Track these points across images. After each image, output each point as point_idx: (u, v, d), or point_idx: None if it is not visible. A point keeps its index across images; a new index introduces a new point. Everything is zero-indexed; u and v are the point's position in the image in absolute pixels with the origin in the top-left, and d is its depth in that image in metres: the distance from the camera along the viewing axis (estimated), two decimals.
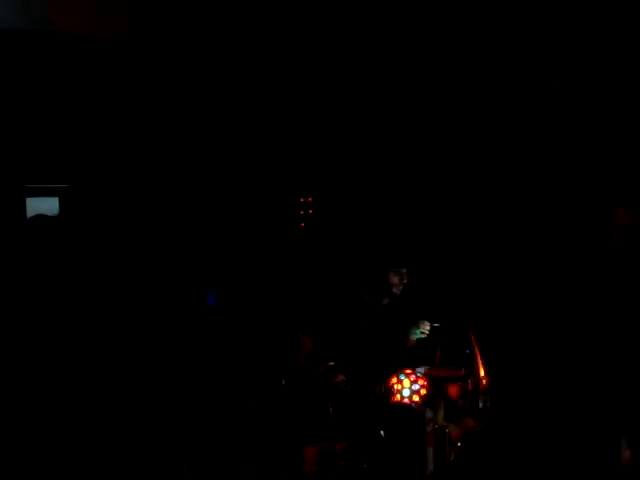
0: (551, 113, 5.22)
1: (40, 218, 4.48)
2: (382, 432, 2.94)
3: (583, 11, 4.91)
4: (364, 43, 5.70)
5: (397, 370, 3.39)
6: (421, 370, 3.47)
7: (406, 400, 3.19)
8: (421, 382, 3.31)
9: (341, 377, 3.47)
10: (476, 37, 5.46)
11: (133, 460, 3.30)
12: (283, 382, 3.43)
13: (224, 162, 5.83)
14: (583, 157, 5.06)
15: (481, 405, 3.24)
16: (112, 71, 5.50)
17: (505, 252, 5.37)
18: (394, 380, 3.33)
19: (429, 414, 2.92)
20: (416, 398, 3.19)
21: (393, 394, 3.28)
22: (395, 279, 4.01)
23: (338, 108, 5.96)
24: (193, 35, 5.49)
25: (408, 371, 3.38)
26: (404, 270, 4.06)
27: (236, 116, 5.87)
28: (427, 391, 3.26)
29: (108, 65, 5.46)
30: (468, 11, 5.35)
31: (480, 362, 3.41)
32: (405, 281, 4.08)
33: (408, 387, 3.27)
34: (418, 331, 3.79)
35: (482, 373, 3.29)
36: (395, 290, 4.03)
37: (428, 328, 3.78)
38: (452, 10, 5.38)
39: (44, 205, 5.42)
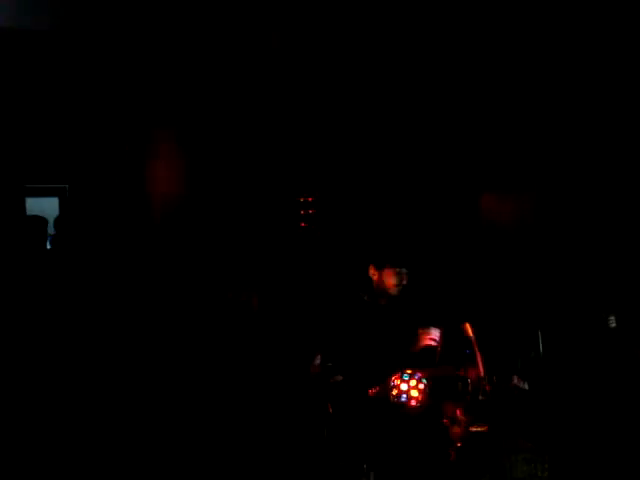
0: (549, 115, 5.22)
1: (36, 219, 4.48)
2: (382, 432, 2.94)
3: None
4: (365, 45, 5.70)
5: (397, 370, 3.39)
6: (421, 370, 3.46)
7: (406, 400, 3.19)
8: (412, 383, 3.30)
9: (339, 377, 3.46)
10: (474, 39, 5.46)
11: (133, 459, 3.30)
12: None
13: (225, 162, 5.83)
14: (583, 157, 5.06)
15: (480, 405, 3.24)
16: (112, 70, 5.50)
17: (504, 252, 5.37)
18: (394, 380, 3.32)
19: (429, 414, 2.91)
20: (416, 398, 3.19)
21: (393, 394, 3.27)
22: (394, 280, 3.99)
23: (339, 109, 5.96)
24: (190, 35, 5.49)
25: (408, 371, 3.37)
26: (403, 271, 4.04)
27: (237, 117, 5.87)
28: (427, 391, 3.25)
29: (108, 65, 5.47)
30: (467, 13, 5.36)
31: (480, 362, 3.40)
32: (404, 282, 4.06)
33: (408, 387, 3.27)
34: None
35: (482, 373, 3.29)
36: (394, 291, 4.01)
37: (437, 334, 3.76)
38: (450, 12, 5.38)
39: (44, 205, 5.42)
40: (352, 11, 5.47)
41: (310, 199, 6.26)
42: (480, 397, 3.25)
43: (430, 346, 3.73)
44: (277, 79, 5.85)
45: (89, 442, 3.68)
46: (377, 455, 2.92)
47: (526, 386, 3.12)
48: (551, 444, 2.76)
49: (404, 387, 3.24)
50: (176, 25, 5.56)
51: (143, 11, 5.44)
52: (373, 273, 4.00)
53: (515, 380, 3.23)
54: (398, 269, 3.94)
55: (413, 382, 3.24)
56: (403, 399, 3.14)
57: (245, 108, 5.89)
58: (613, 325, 3.75)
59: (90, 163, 5.59)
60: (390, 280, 3.91)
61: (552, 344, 3.65)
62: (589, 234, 4.92)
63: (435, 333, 3.78)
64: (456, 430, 2.99)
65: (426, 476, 2.81)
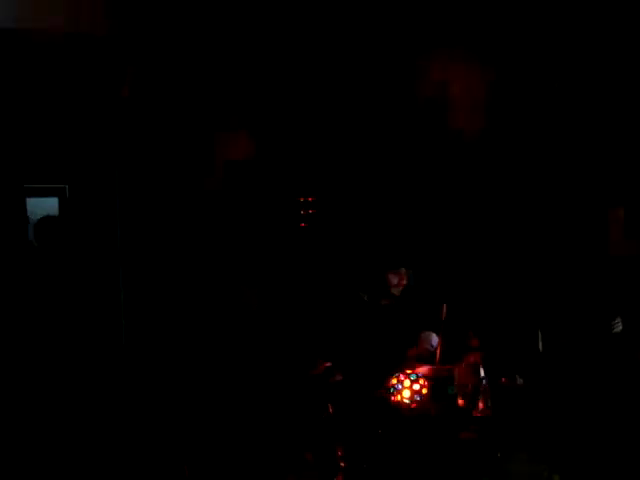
0: (551, 113, 5.22)
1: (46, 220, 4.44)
2: (381, 432, 2.94)
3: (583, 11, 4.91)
4: (365, 44, 5.70)
5: (397, 370, 3.39)
6: (421, 370, 3.46)
7: (406, 400, 3.19)
8: (421, 382, 3.31)
9: (339, 377, 3.46)
10: (477, 37, 5.45)
11: (133, 459, 3.30)
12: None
13: (225, 161, 5.82)
14: (582, 158, 5.06)
15: (480, 405, 3.24)
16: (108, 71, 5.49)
17: (504, 252, 5.37)
18: (394, 380, 3.32)
19: (429, 414, 2.91)
20: (417, 398, 3.18)
21: (393, 394, 3.27)
22: (394, 280, 4.00)
23: (340, 108, 5.96)
24: (192, 32, 5.49)
25: (408, 371, 3.37)
26: (403, 271, 4.05)
27: (238, 116, 5.86)
28: (427, 391, 3.25)
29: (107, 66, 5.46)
30: (469, 11, 5.35)
31: (480, 362, 3.40)
32: (404, 282, 4.06)
33: (408, 387, 3.27)
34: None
35: (482, 373, 3.29)
36: (394, 291, 4.01)
37: (437, 340, 3.75)
38: (453, 10, 5.38)
39: (44, 205, 5.41)
40: (354, 9, 5.47)
41: (310, 199, 6.25)
42: (480, 396, 3.25)
43: (428, 351, 3.73)
44: (278, 79, 5.85)
45: (87, 438, 3.69)
46: (378, 455, 2.91)
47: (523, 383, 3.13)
48: (553, 444, 2.75)
49: (416, 387, 3.25)
50: (175, 25, 5.56)
51: (142, 9, 5.44)
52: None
53: (518, 380, 3.23)
54: (398, 269, 3.95)
55: (422, 381, 3.26)
56: (417, 398, 3.15)
57: (245, 107, 5.88)
58: (619, 329, 3.74)
59: (89, 163, 5.59)
60: (390, 280, 3.92)
61: (556, 347, 3.65)
62: (592, 235, 4.91)
63: (435, 339, 3.77)
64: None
65: (427, 476, 2.81)
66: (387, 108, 5.93)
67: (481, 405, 3.23)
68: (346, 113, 5.94)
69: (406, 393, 3.24)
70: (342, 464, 2.83)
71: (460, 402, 3.28)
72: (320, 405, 3.13)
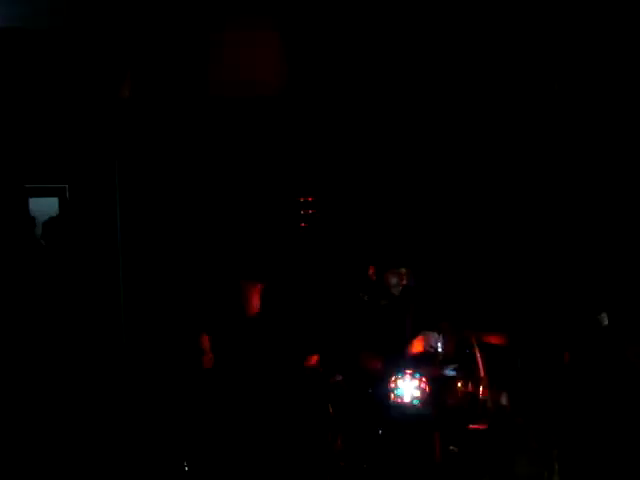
0: (550, 115, 5.22)
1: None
2: (381, 432, 2.94)
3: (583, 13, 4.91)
4: (364, 44, 5.70)
5: (397, 370, 3.40)
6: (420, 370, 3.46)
7: (406, 400, 3.19)
8: (421, 382, 3.31)
9: (339, 377, 3.47)
10: (477, 40, 5.46)
11: (133, 457, 3.30)
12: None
13: (225, 162, 5.83)
14: (583, 160, 5.06)
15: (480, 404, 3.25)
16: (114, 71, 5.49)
17: (504, 253, 5.37)
18: (395, 380, 3.33)
19: (430, 414, 2.91)
20: (416, 399, 3.19)
21: (393, 394, 3.28)
22: (394, 280, 4.00)
23: (339, 108, 5.96)
24: (187, 34, 5.49)
25: (409, 371, 3.38)
26: (403, 271, 4.05)
27: (238, 117, 5.87)
28: (427, 391, 3.25)
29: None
30: (469, 13, 5.36)
31: (480, 362, 3.41)
32: (404, 282, 4.07)
33: (408, 387, 3.28)
34: None
35: (482, 373, 3.29)
36: (394, 291, 4.02)
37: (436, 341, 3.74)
38: (453, 12, 5.39)
39: (44, 205, 5.42)
40: (352, 13, 5.48)
41: (310, 199, 6.25)
42: (480, 396, 3.26)
43: (428, 352, 3.73)
44: (277, 79, 5.85)
45: (87, 437, 3.69)
46: (377, 455, 2.92)
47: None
48: (557, 444, 2.76)
49: (404, 387, 3.25)
50: (173, 25, 5.56)
51: (141, 10, 5.44)
52: (373, 273, 4.01)
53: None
54: (398, 269, 3.95)
55: (415, 382, 3.25)
56: (406, 399, 3.15)
57: (245, 108, 5.88)
58: (605, 323, 3.76)
59: (89, 163, 5.59)
60: (390, 280, 3.92)
61: (545, 344, 3.66)
62: (582, 233, 4.92)
63: (434, 340, 3.77)
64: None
65: (426, 475, 2.82)
66: (384, 107, 5.93)
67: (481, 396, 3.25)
68: (345, 114, 5.95)
69: (405, 393, 3.25)
70: (342, 464, 2.83)
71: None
72: (320, 405, 3.13)
